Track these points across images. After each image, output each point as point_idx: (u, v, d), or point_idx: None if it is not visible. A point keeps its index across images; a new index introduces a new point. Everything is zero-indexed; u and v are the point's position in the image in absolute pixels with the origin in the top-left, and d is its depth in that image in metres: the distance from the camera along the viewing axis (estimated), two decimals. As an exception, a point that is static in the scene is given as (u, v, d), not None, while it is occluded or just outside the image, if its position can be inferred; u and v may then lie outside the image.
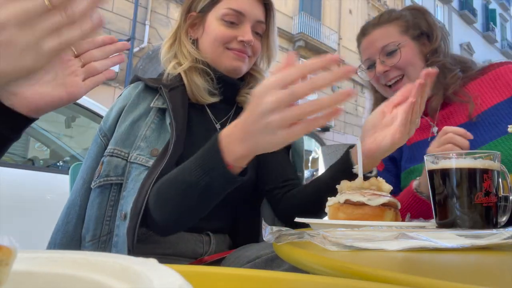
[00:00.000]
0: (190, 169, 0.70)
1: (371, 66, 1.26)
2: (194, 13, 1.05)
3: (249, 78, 1.11)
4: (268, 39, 1.09)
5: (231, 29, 1.01)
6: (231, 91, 1.07)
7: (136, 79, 1.05)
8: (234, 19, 1.00)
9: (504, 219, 0.63)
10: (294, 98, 0.57)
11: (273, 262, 0.74)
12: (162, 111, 0.96)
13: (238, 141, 0.63)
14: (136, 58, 9.63)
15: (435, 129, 1.21)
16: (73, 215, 0.89)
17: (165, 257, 0.91)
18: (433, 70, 0.79)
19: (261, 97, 0.58)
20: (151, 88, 1.00)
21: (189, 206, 0.73)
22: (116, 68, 9.74)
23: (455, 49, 23.26)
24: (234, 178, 0.67)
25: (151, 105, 0.96)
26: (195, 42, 1.06)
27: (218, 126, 1.05)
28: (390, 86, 1.23)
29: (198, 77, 1.01)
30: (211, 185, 0.68)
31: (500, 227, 0.62)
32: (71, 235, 0.87)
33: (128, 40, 9.11)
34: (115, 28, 10.16)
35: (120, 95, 1.02)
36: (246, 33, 1.01)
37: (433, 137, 1.15)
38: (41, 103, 0.58)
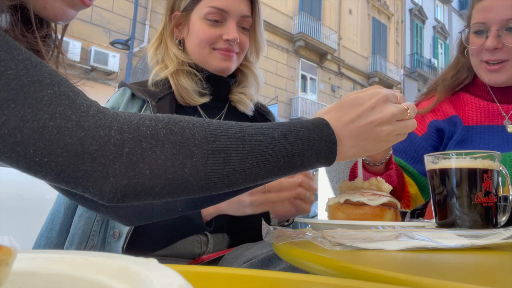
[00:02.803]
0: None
1: (481, 32, 1.07)
2: (178, 12, 1.03)
3: (240, 76, 1.10)
4: (255, 33, 1.07)
5: (215, 28, 0.99)
6: (222, 89, 1.06)
7: (122, 84, 1.03)
8: (218, 17, 0.98)
9: (504, 219, 0.63)
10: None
11: (269, 261, 0.74)
12: None
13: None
14: (136, 58, 9.63)
15: (508, 123, 1.09)
16: (56, 221, 0.89)
17: (163, 259, 0.91)
18: None
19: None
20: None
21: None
22: (116, 68, 9.76)
23: (455, 49, 23.24)
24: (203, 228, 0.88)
25: None
26: (181, 43, 1.04)
27: None
28: (487, 62, 1.08)
29: (185, 79, 0.99)
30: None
31: (500, 227, 0.62)
32: (54, 241, 0.87)
33: (128, 40, 9.10)
34: (115, 28, 10.16)
35: (107, 102, 1.00)
36: (231, 31, 0.99)
37: (501, 128, 1.07)
38: None
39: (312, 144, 0.54)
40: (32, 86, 0.41)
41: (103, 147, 0.42)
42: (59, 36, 0.63)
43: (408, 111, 0.61)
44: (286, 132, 0.53)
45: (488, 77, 1.08)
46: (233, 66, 1.03)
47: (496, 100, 1.13)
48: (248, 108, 1.08)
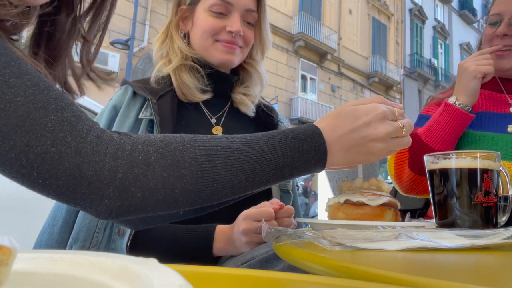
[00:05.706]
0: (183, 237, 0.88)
1: (495, 23, 1.16)
2: (184, 6, 1.04)
3: (243, 75, 1.09)
4: (260, 29, 1.06)
5: (219, 19, 0.99)
6: (224, 86, 1.05)
7: (125, 82, 1.03)
8: (222, 10, 0.99)
9: (504, 219, 0.63)
10: None
11: (268, 262, 0.74)
12: (151, 122, 0.94)
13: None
14: (136, 58, 9.63)
15: None
16: (59, 217, 0.89)
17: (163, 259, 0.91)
18: None
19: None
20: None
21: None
22: (116, 68, 9.75)
23: (455, 49, 23.25)
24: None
25: (140, 116, 0.94)
26: (186, 36, 1.05)
27: (213, 120, 1.04)
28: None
29: (187, 76, 0.99)
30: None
31: (500, 227, 0.62)
32: (56, 238, 0.87)
33: (128, 40, 9.10)
34: (115, 28, 10.16)
35: (110, 100, 1.00)
36: (234, 23, 0.98)
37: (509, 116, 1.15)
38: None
39: (303, 154, 0.56)
40: (38, 112, 0.44)
41: (98, 173, 0.46)
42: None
43: (404, 129, 0.61)
44: (277, 144, 0.55)
45: (496, 62, 1.11)
46: (236, 59, 1.02)
47: (504, 91, 1.18)
48: (249, 110, 1.07)
